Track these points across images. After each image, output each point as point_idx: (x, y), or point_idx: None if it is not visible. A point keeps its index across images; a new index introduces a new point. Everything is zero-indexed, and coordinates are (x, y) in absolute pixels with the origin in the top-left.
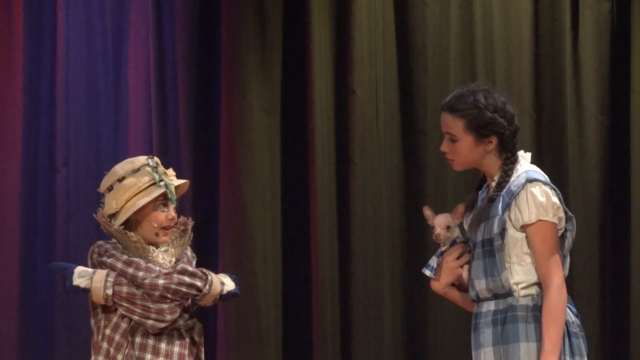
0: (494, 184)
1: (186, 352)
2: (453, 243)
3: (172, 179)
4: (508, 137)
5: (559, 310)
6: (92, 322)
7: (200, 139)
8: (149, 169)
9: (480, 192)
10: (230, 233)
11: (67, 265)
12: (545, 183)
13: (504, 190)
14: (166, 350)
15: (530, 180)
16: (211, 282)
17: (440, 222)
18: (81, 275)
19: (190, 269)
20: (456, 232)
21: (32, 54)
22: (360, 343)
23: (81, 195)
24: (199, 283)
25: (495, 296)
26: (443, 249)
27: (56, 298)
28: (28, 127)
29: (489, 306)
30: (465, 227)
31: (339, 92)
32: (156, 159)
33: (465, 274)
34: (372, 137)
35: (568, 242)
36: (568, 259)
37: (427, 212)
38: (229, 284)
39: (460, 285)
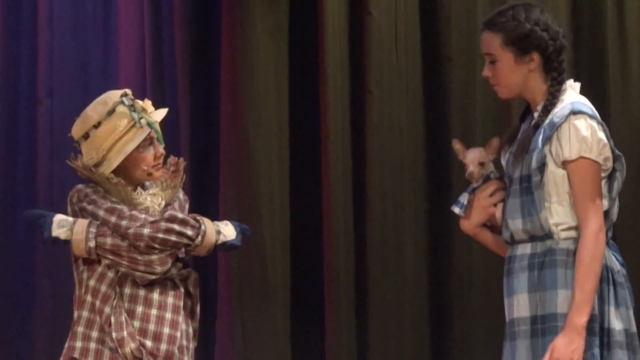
0: (537, 112)
1: (181, 303)
2: (487, 179)
3: (152, 113)
4: (552, 54)
5: (594, 259)
6: (75, 274)
7: (198, 65)
8: (124, 108)
9: (522, 124)
10: (232, 171)
11: (45, 214)
12: (591, 116)
13: (547, 121)
14: (159, 301)
15: (575, 112)
16: (204, 232)
17: (473, 159)
18: (61, 225)
19: (180, 215)
20: (490, 167)
21: None
22: (378, 296)
23: (67, 130)
24: (190, 232)
25: (532, 238)
26: (475, 185)
27: (37, 244)
28: (6, 54)
29: (525, 249)
30: (503, 162)
31: (353, 13)
32: (130, 93)
33: (498, 214)
34: (391, 64)
35: (618, 183)
36: (617, 203)
37: (457, 146)
38: (227, 234)
39: (492, 226)
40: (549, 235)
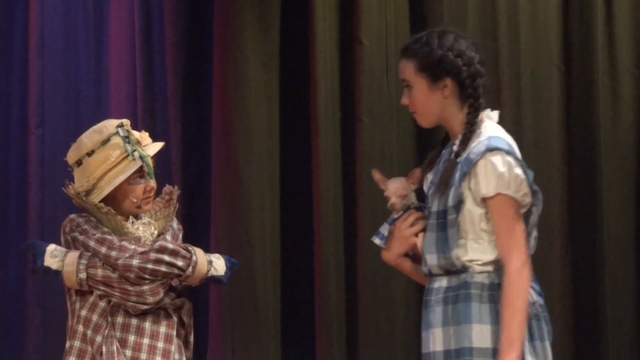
0: (457, 141)
1: (174, 332)
2: (407, 209)
3: (147, 146)
4: (466, 80)
5: (519, 295)
6: (67, 304)
7: (189, 93)
8: (119, 139)
9: (444, 150)
10: (224, 200)
11: (40, 243)
12: (508, 152)
13: (464, 156)
14: (151, 330)
15: (490, 149)
16: (195, 263)
17: (394, 190)
18: (53, 255)
19: (170, 246)
20: (412, 198)
21: None
22: (369, 322)
23: (58, 159)
24: (180, 263)
25: (448, 272)
26: (396, 215)
27: (29, 273)
28: None
29: (442, 282)
30: (425, 188)
31: (344, 42)
32: (127, 124)
33: (420, 243)
34: (382, 92)
35: (533, 218)
36: (534, 235)
37: (377, 176)
38: (218, 268)
39: (415, 256)
40: (463, 269)
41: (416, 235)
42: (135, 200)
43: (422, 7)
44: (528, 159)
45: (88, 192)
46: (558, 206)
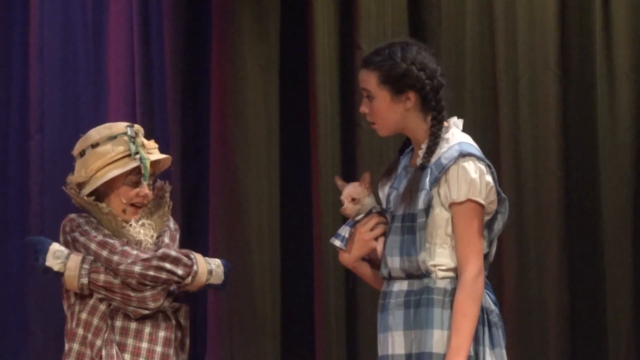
0: (421, 152)
1: (172, 336)
2: (369, 213)
3: (151, 152)
4: (429, 94)
5: (472, 303)
6: (65, 306)
7: (188, 99)
8: (126, 138)
9: (401, 157)
10: (222, 204)
11: (43, 240)
12: (479, 159)
13: (433, 161)
14: (150, 334)
15: (463, 155)
16: (196, 272)
17: (346, 195)
18: (56, 256)
19: (173, 253)
20: (370, 202)
21: (1, 3)
22: (369, 326)
23: (57, 164)
24: (180, 271)
25: (409, 276)
26: (357, 218)
27: (30, 277)
28: None
29: (402, 286)
30: (381, 195)
31: (344, 47)
32: (137, 128)
33: (379, 248)
34: None
35: (498, 225)
36: (495, 243)
37: (339, 182)
38: (215, 276)
39: (371, 260)
40: (426, 274)
41: (376, 239)
42: (124, 201)
43: (420, 12)
44: (525, 164)
45: (83, 185)
46: (555, 211)
